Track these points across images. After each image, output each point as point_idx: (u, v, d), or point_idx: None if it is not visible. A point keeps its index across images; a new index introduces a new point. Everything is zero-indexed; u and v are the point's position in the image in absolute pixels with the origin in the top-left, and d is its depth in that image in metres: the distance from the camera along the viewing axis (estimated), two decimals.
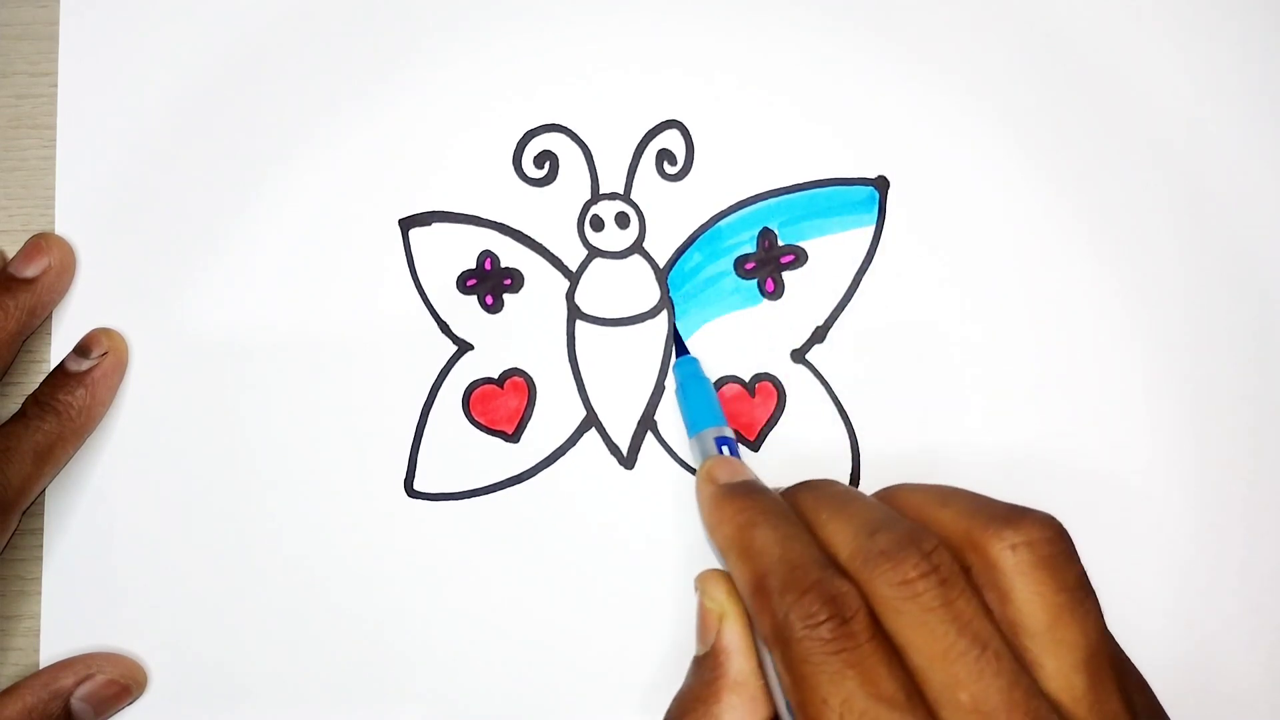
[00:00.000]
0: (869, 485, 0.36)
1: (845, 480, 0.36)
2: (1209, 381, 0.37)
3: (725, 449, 0.34)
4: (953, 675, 0.26)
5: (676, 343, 0.37)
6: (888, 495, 0.31)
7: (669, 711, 0.32)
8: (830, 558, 0.28)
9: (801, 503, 0.31)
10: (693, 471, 0.36)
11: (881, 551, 0.28)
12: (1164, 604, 0.36)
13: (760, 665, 0.31)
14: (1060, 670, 0.27)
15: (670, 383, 0.37)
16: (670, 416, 0.37)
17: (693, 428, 0.35)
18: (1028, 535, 0.28)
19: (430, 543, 0.37)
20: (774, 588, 0.28)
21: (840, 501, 0.30)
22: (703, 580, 0.32)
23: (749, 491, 0.31)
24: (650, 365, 0.37)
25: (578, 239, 0.38)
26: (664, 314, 0.37)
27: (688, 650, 0.33)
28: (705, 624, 0.32)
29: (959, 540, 0.28)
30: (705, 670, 0.31)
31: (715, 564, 0.36)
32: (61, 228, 0.38)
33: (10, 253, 0.38)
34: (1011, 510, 0.29)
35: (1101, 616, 0.28)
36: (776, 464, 0.37)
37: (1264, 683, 0.35)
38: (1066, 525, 0.36)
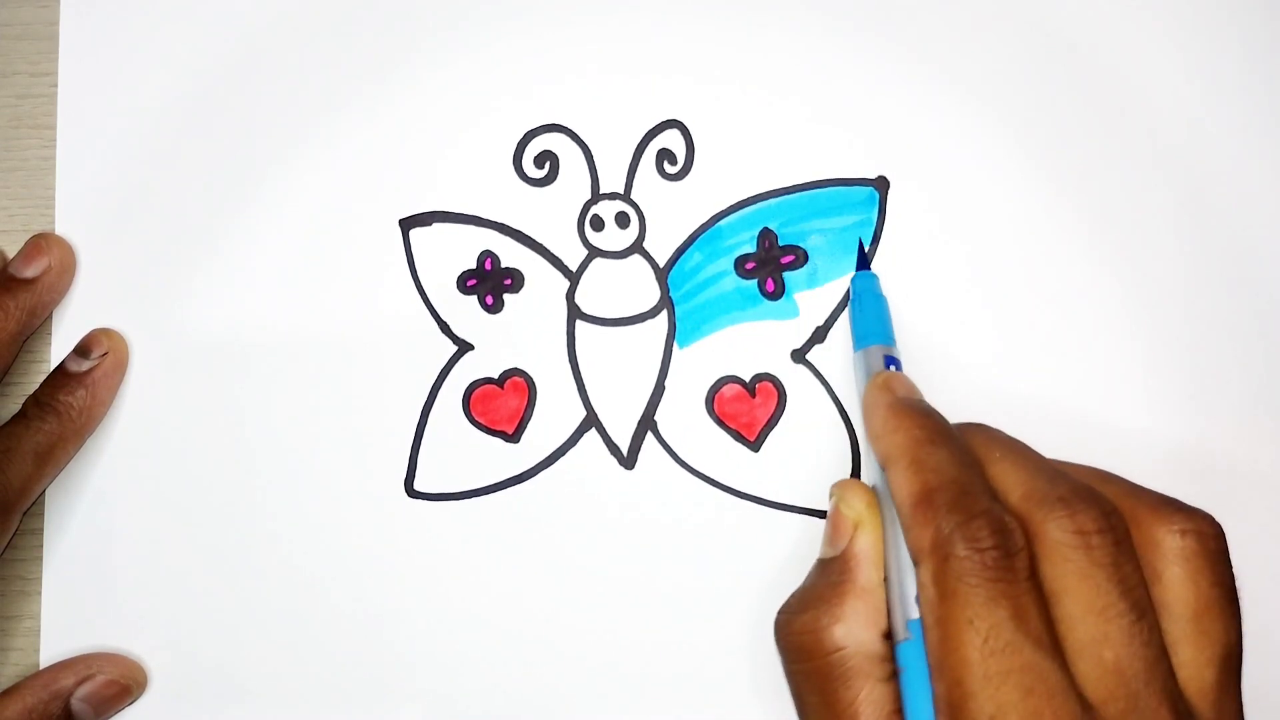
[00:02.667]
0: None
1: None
2: (1209, 379, 0.37)
3: (892, 367, 0.34)
4: (1104, 632, 0.27)
5: (860, 257, 0.37)
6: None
7: (787, 603, 0.32)
8: (1000, 494, 0.29)
9: (974, 438, 0.31)
10: (694, 473, 0.36)
11: (1061, 498, 0.28)
12: None
13: (886, 580, 0.31)
14: (1195, 660, 0.27)
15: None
16: (671, 416, 0.37)
17: (861, 341, 0.35)
18: (1197, 525, 0.28)
19: (430, 543, 0.37)
20: (942, 503, 0.28)
21: (1015, 446, 0.30)
22: (841, 487, 0.33)
23: (927, 410, 0.31)
24: (650, 365, 0.37)
25: (578, 239, 0.38)
26: (664, 314, 0.37)
27: (688, 650, 0.34)
28: (838, 529, 0.32)
29: (1124, 513, 0.29)
30: (833, 573, 0.31)
31: (724, 569, 0.36)
32: (61, 228, 0.38)
33: (10, 253, 0.38)
34: (1175, 501, 0.29)
35: (1241, 625, 0.28)
36: (776, 464, 0.37)
37: (1262, 689, 0.35)
38: None
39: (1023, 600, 0.27)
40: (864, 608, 0.30)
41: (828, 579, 0.31)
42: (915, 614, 0.29)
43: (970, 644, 0.27)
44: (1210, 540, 0.28)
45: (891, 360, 0.34)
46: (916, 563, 0.29)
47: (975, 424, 0.32)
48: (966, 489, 0.28)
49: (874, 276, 0.36)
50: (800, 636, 0.30)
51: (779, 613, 0.32)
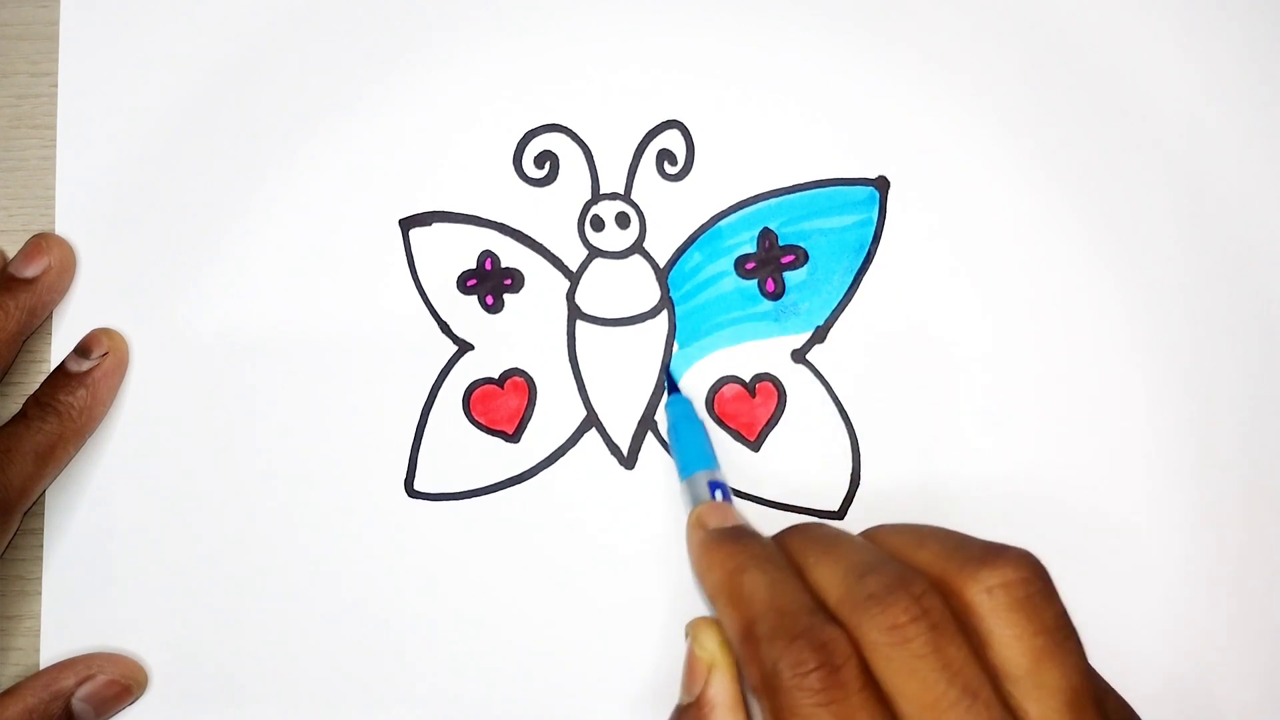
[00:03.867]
0: (869, 485, 0.36)
1: (846, 480, 0.36)
2: (1209, 379, 0.37)
3: (718, 493, 0.34)
4: None
5: (668, 382, 0.37)
6: (869, 536, 0.31)
7: None
8: (820, 602, 0.28)
9: (790, 545, 0.30)
10: None
11: (871, 595, 0.27)
12: (1163, 601, 0.36)
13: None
14: (1044, 715, 0.27)
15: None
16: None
17: (684, 470, 0.35)
18: (1003, 576, 0.27)
19: (430, 543, 0.37)
20: (763, 634, 0.27)
21: (828, 543, 0.29)
22: (695, 627, 0.31)
23: (738, 536, 0.31)
24: (651, 365, 0.37)
25: (578, 239, 0.38)
26: (664, 314, 0.37)
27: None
28: (693, 672, 0.31)
29: (936, 582, 0.28)
30: None
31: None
32: (61, 228, 0.38)
33: (10, 253, 0.38)
34: (987, 550, 0.28)
35: (1083, 654, 0.28)
36: (776, 464, 0.37)
37: (1261, 696, 0.35)
38: (1064, 522, 0.36)
39: (858, 715, 0.26)
40: None
41: None
42: None
43: None
44: (1020, 587, 0.27)
45: (717, 485, 0.34)
46: (758, 700, 0.28)
47: (792, 527, 0.31)
48: (784, 611, 0.28)
49: (687, 401, 0.36)
50: None
51: None
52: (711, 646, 0.31)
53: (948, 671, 0.26)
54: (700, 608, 0.36)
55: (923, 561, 0.28)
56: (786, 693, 0.27)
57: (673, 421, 0.36)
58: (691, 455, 0.35)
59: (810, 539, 0.30)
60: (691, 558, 0.32)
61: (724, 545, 0.31)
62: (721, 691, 0.30)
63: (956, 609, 0.27)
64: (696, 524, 0.32)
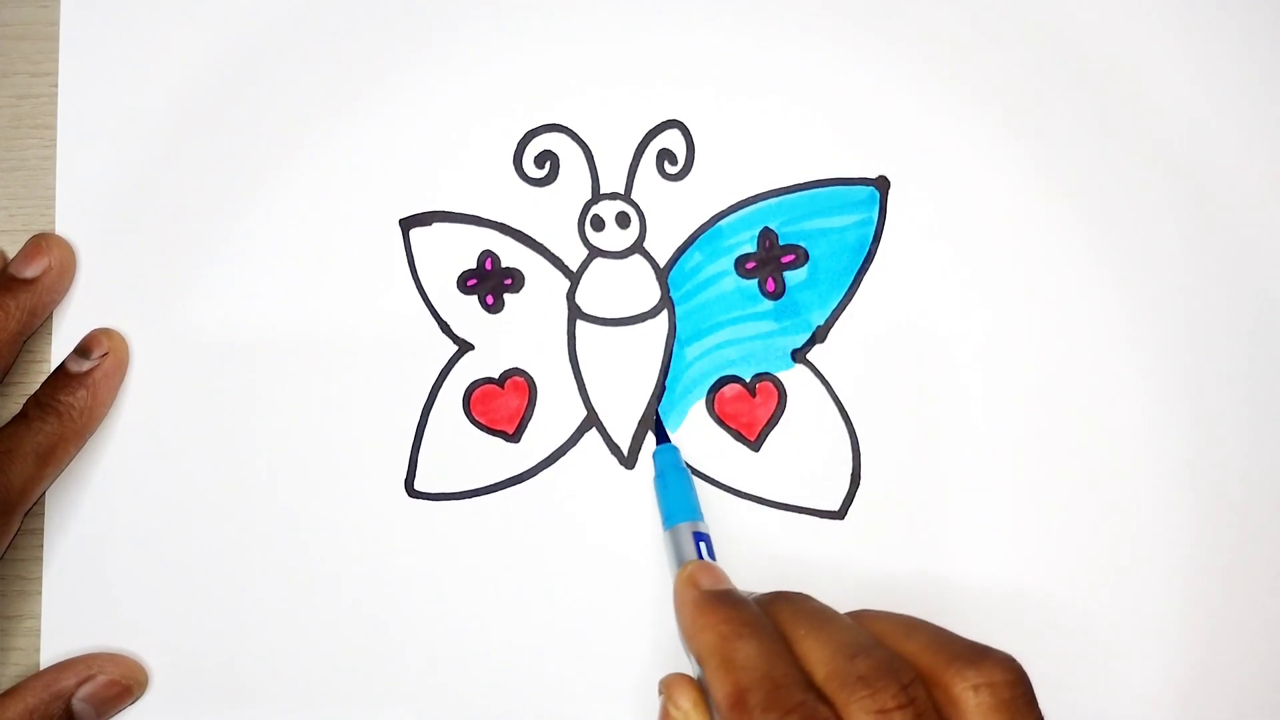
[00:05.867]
0: (869, 485, 0.36)
1: (846, 480, 0.36)
2: (1209, 379, 0.37)
3: (702, 544, 0.34)
4: None
5: (657, 430, 0.37)
6: (856, 618, 0.31)
7: None
8: (807, 674, 0.29)
9: (779, 615, 0.31)
10: (694, 473, 0.36)
11: (861, 677, 0.28)
12: (1163, 600, 0.36)
13: None
14: None
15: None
16: (671, 416, 0.37)
17: (669, 520, 0.35)
18: (990, 677, 0.28)
19: (430, 543, 0.37)
20: (755, 705, 0.28)
21: (818, 619, 0.30)
22: (669, 686, 0.32)
23: (732, 602, 0.31)
24: (651, 365, 0.37)
25: (578, 239, 0.38)
26: (664, 314, 0.37)
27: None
28: None
29: (922, 674, 0.29)
30: None
31: (724, 569, 0.36)
32: (61, 228, 0.38)
33: (10, 253, 0.38)
34: (974, 649, 0.29)
35: None
36: (776, 464, 0.37)
37: (1261, 696, 0.35)
38: (1065, 520, 0.36)
39: None
40: None
41: None
42: None
43: None
44: (1005, 690, 0.28)
45: (700, 536, 0.34)
46: None
47: (780, 595, 0.32)
48: (778, 683, 0.28)
49: (675, 450, 0.36)
50: None
51: None
52: (686, 706, 0.31)
53: None
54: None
55: (909, 651, 0.29)
56: None
57: (659, 470, 0.36)
58: (677, 505, 0.35)
59: (800, 612, 0.31)
60: (681, 615, 0.32)
61: (719, 608, 0.31)
62: None
63: (939, 702, 0.28)
64: (688, 583, 0.32)
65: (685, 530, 0.34)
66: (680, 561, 0.34)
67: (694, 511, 0.35)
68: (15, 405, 0.37)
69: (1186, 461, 0.36)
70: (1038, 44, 0.38)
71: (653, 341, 0.37)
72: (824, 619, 0.30)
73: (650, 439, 0.37)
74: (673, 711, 0.32)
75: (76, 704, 0.35)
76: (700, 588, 0.32)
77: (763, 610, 0.31)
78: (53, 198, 0.38)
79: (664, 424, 0.37)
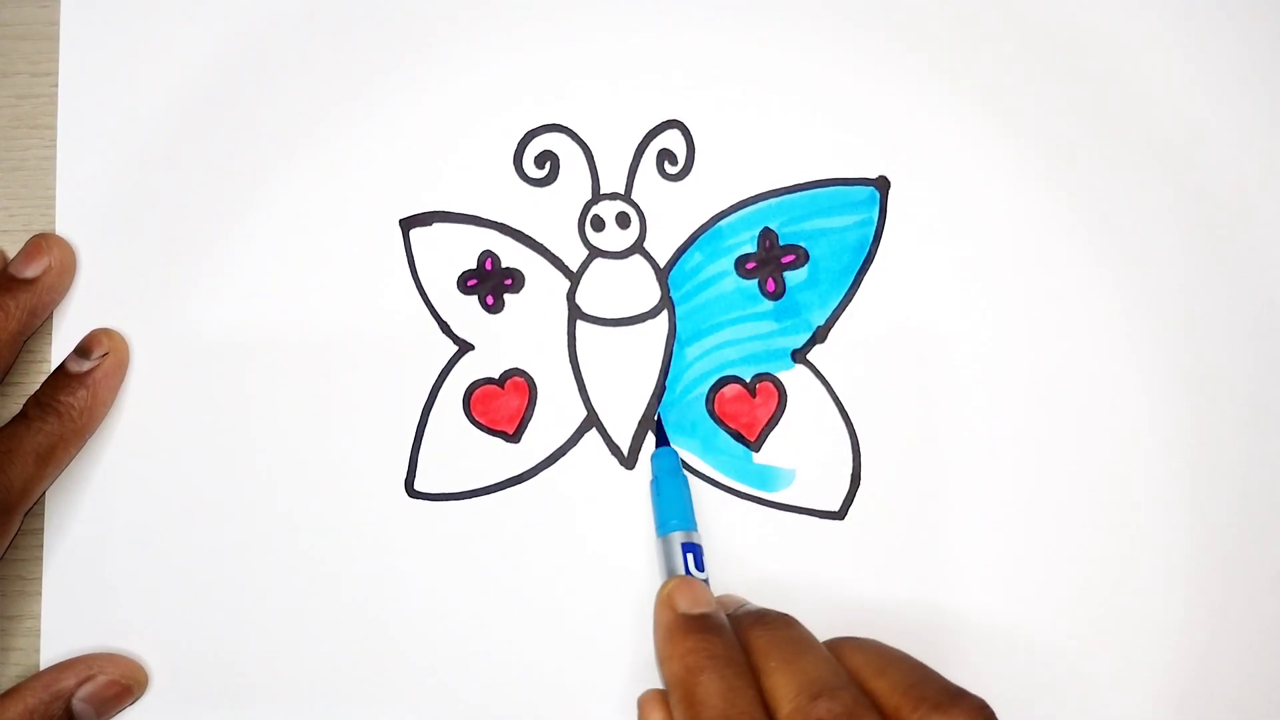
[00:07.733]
0: (869, 485, 0.36)
1: (847, 480, 0.36)
2: (1209, 379, 0.37)
3: (690, 556, 0.34)
4: None
5: (657, 431, 0.37)
6: (834, 648, 0.31)
7: None
8: (771, 711, 0.29)
9: (753, 642, 0.31)
10: (694, 473, 0.36)
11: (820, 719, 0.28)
12: (1163, 599, 0.36)
13: None
14: None
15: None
16: (672, 416, 0.37)
17: (661, 526, 0.35)
18: None
19: (430, 543, 0.37)
20: None
21: (792, 651, 0.30)
22: (644, 704, 0.32)
23: (704, 628, 0.31)
24: (651, 365, 0.37)
25: (578, 239, 0.38)
26: (665, 314, 0.37)
27: None
28: None
29: (889, 713, 0.29)
30: None
31: (724, 569, 0.36)
32: (61, 228, 0.38)
33: (10, 253, 0.38)
34: (946, 693, 0.29)
35: None
36: (777, 464, 0.37)
37: (1262, 696, 0.35)
38: (1064, 520, 0.36)
39: None
40: None
41: None
42: None
43: None
44: None
45: (690, 547, 0.34)
46: None
47: (760, 618, 0.32)
48: None
49: (672, 453, 0.36)
50: None
51: None
52: None
53: None
54: None
55: (880, 690, 0.29)
56: None
57: (656, 474, 0.36)
58: (670, 512, 0.35)
59: (775, 641, 0.31)
60: (655, 637, 0.33)
61: (688, 637, 0.31)
62: None
63: None
64: (665, 604, 0.32)
65: (674, 541, 0.34)
66: (667, 574, 0.34)
67: (686, 520, 0.35)
68: (15, 405, 0.37)
69: (1186, 461, 0.36)
70: (1038, 44, 0.38)
71: (653, 342, 0.37)
72: (797, 650, 0.30)
73: (650, 439, 0.37)
74: None
75: (76, 704, 0.35)
76: (676, 609, 0.32)
77: (739, 633, 0.31)
78: (53, 198, 0.38)
79: (664, 424, 0.37)
